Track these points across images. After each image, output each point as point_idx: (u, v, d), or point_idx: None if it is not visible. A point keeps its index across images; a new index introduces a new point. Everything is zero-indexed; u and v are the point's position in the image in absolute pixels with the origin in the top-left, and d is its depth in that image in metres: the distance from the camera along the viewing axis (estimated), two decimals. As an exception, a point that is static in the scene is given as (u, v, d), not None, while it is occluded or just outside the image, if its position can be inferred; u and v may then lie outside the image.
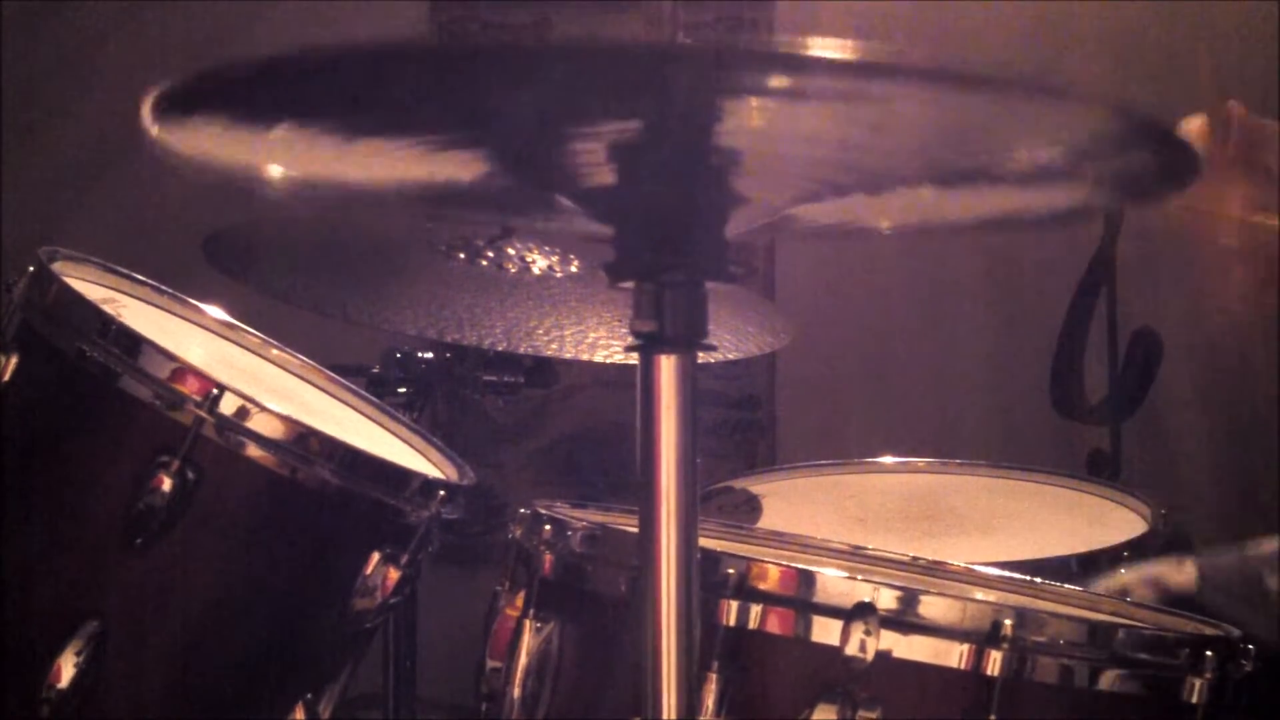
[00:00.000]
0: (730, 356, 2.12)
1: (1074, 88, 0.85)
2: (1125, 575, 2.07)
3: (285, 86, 0.91)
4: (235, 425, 1.60)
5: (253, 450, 1.61)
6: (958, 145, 0.96)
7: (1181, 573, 1.97)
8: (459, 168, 1.02)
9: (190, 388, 1.60)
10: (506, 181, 1.05)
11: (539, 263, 2.12)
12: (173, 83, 0.89)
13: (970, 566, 1.74)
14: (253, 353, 1.95)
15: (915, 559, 1.75)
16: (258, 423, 1.61)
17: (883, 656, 1.36)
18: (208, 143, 0.99)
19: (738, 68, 0.87)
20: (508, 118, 0.93)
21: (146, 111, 0.91)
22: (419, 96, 0.93)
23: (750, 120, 0.93)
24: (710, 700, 1.36)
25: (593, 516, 1.64)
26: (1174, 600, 1.94)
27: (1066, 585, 1.69)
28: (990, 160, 0.98)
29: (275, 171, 1.07)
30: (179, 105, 0.92)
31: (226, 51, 0.85)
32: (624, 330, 2.02)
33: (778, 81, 0.88)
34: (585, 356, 2.07)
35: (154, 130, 0.93)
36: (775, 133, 0.96)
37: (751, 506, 2.23)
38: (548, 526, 1.54)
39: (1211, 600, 1.91)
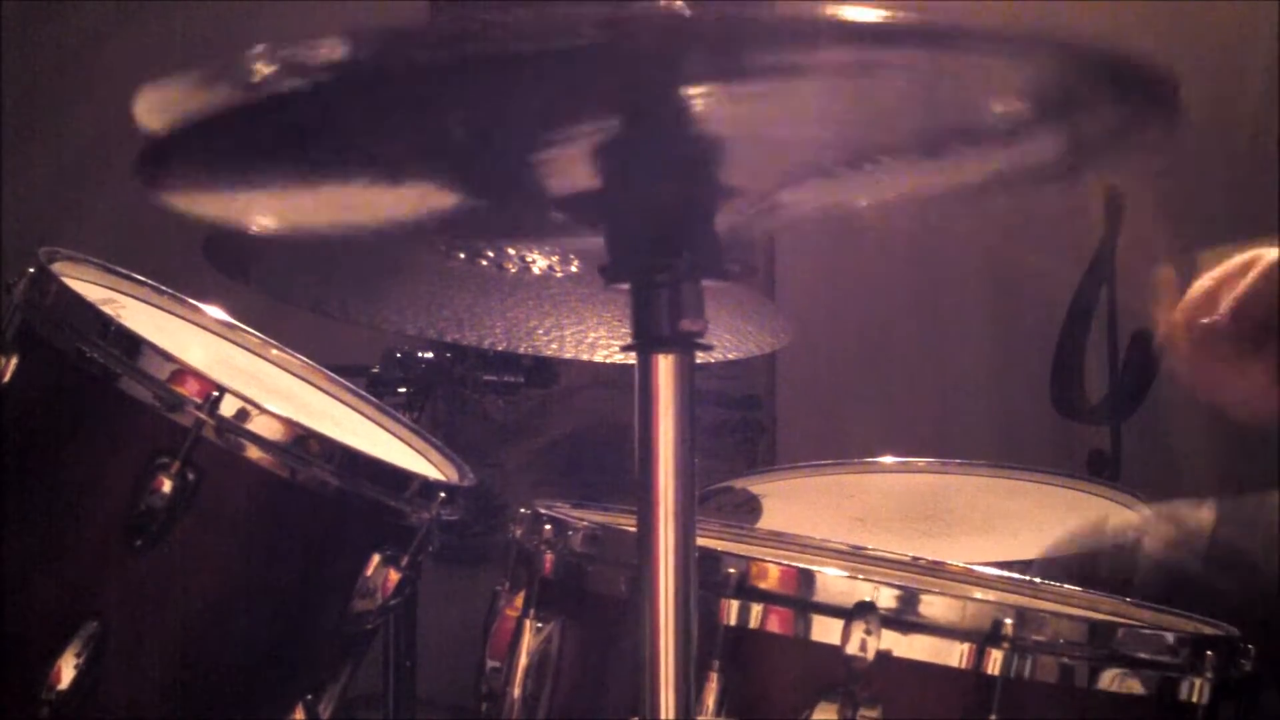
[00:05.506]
0: (730, 356, 2.12)
1: (1040, 32, 0.84)
2: (1146, 511, 2.07)
3: (235, 137, 0.91)
4: (235, 427, 1.60)
5: (252, 452, 1.61)
6: (934, 105, 0.94)
7: (1200, 511, 1.97)
8: (436, 196, 1.02)
9: (190, 389, 1.60)
10: (486, 203, 1.04)
11: (539, 263, 2.11)
12: (143, 148, 0.89)
13: (970, 566, 1.73)
14: (253, 353, 1.94)
15: (915, 559, 1.75)
16: (258, 424, 1.61)
17: (883, 656, 1.36)
18: (194, 198, 0.99)
19: (709, 44, 0.86)
20: (472, 134, 0.92)
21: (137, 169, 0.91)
22: (371, 127, 0.92)
23: (730, 103, 0.92)
24: (711, 700, 1.36)
25: (593, 516, 1.63)
26: (1187, 540, 1.94)
27: (1066, 585, 1.69)
28: (966, 118, 0.97)
29: (261, 219, 1.07)
30: (152, 167, 0.92)
31: (224, 52, 0.85)
32: (624, 330, 2.03)
33: (756, 56, 0.87)
34: (585, 356, 2.07)
35: (147, 188, 0.93)
36: (758, 115, 0.95)
37: (751, 507, 2.23)
38: (548, 526, 1.54)
39: (1226, 540, 1.91)
